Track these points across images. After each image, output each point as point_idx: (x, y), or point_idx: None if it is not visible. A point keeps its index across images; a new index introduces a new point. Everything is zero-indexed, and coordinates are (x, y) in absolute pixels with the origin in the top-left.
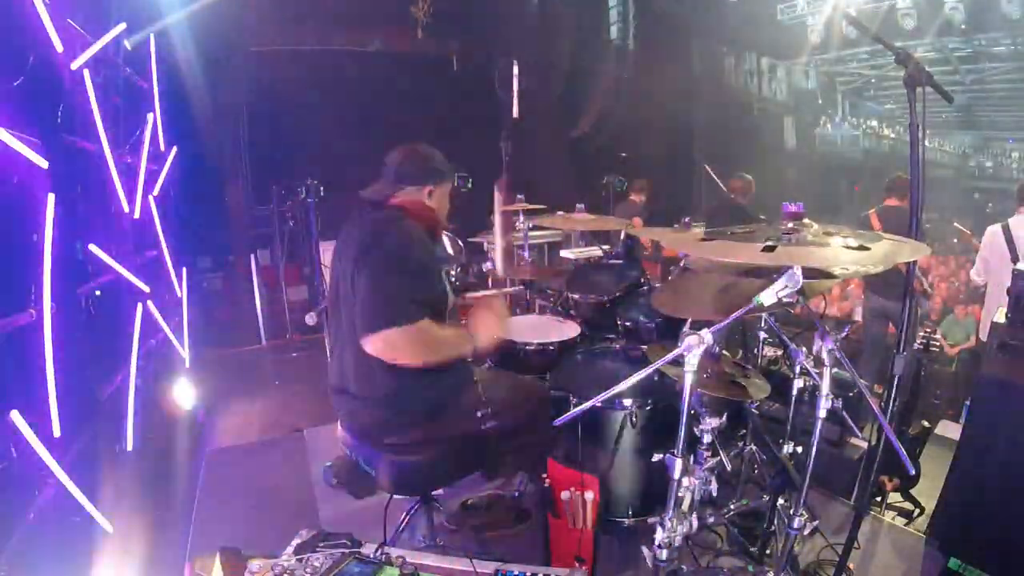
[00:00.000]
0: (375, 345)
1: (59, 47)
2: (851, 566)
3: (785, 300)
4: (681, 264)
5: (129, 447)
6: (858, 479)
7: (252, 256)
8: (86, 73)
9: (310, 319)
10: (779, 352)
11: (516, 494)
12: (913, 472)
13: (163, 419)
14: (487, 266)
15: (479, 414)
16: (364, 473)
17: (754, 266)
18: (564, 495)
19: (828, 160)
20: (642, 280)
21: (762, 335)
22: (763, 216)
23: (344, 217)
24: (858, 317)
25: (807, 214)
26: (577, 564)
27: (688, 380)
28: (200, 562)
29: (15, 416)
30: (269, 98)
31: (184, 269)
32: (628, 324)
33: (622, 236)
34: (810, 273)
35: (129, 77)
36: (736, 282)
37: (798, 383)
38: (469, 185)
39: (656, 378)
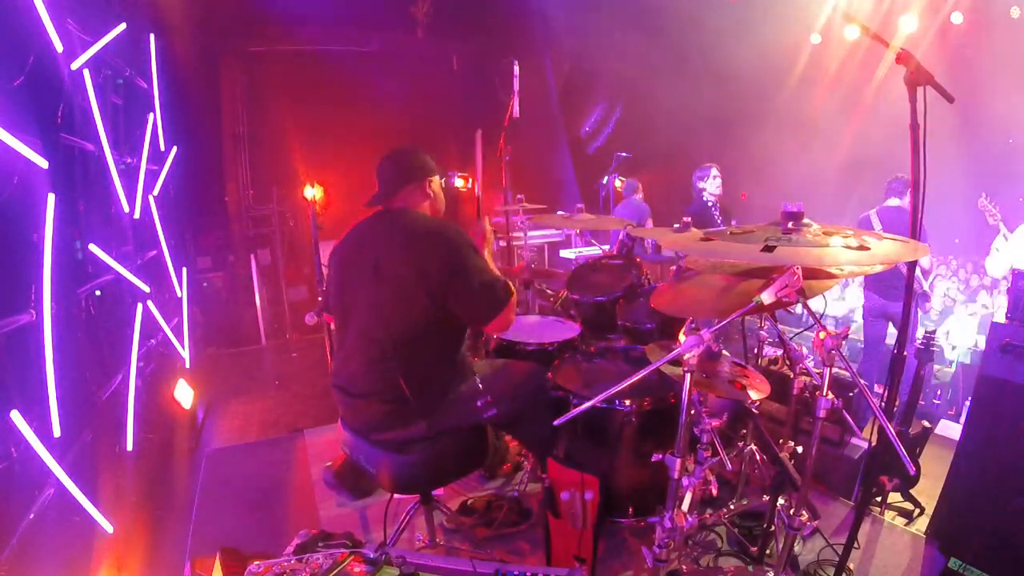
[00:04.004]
0: (496, 327)
1: (59, 47)
2: (851, 566)
3: (785, 300)
4: (681, 264)
5: (129, 447)
6: (858, 479)
7: (252, 256)
8: (86, 73)
9: (310, 319)
10: (779, 352)
11: (516, 494)
12: (913, 472)
13: (163, 419)
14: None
15: (479, 403)
16: (364, 473)
17: (752, 267)
18: (564, 495)
19: None
20: (642, 280)
21: (762, 335)
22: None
23: (345, 217)
24: (858, 317)
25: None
26: (577, 564)
27: (688, 380)
28: (200, 562)
29: (15, 416)
30: (269, 98)
31: (184, 269)
32: (628, 324)
33: (621, 236)
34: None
35: (129, 77)
36: (736, 282)
37: (798, 383)
38: (469, 184)
39: (656, 378)
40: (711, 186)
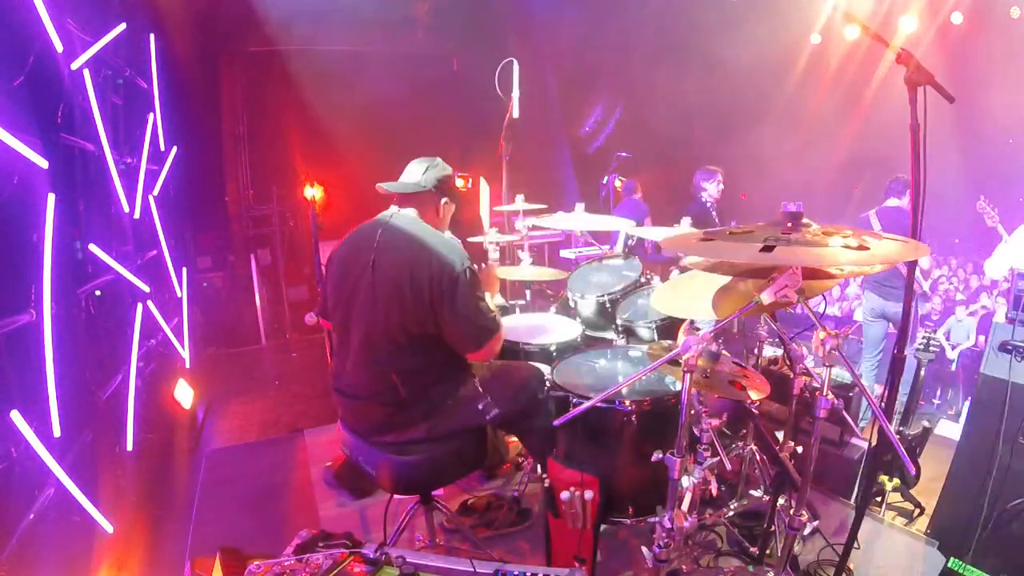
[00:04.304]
0: (482, 356)
1: (59, 47)
2: (851, 566)
3: (784, 300)
4: (681, 264)
5: (129, 447)
6: (858, 479)
7: (252, 256)
8: (86, 73)
9: (310, 319)
10: (779, 352)
11: (516, 494)
12: (913, 472)
13: (163, 419)
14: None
15: (480, 406)
16: (364, 473)
17: (752, 267)
18: (564, 495)
19: None
20: (642, 280)
21: (762, 335)
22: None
23: (345, 217)
24: (858, 317)
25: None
26: (577, 564)
27: (688, 380)
28: (200, 562)
29: (15, 416)
30: (269, 98)
31: (184, 269)
32: (628, 324)
33: (622, 236)
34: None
35: (129, 77)
36: (736, 282)
37: (798, 383)
38: (469, 185)
39: (656, 378)
40: (712, 189)
